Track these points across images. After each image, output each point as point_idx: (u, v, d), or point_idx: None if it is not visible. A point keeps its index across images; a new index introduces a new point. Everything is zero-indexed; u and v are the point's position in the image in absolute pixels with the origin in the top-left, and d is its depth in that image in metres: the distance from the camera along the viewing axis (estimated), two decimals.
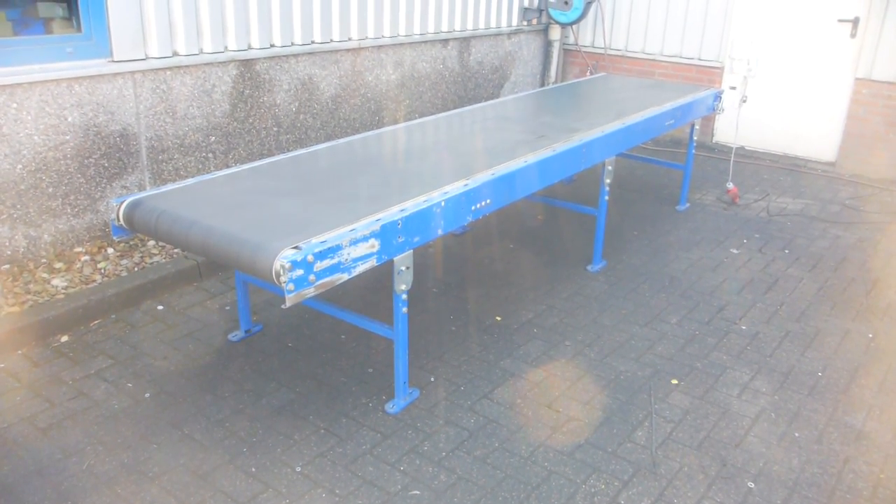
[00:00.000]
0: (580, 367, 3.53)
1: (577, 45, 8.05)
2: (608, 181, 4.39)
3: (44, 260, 4.15)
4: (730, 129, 7.37)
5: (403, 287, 2.97)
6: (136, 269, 4.16)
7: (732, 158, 6.53)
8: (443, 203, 3.05)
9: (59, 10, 4.10)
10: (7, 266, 4.02)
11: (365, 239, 2.70)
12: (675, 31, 7.40)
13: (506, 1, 7.25)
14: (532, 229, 5.26)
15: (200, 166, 4.87)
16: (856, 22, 6.44)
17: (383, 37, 5.96)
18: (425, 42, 6.40)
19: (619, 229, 5.27)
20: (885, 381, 3.49)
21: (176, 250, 4.39)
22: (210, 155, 4.91)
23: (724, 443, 3.02)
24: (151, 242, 4.47)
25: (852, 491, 2.78)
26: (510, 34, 7.45)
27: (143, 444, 2.90)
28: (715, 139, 7.52)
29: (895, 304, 4.25)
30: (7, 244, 4.02)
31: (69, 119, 4.11)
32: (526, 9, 7.52)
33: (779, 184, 6.45)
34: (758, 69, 7.04)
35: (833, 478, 2.84)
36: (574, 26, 7.89)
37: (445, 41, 6.62)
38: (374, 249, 2.76)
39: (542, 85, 8.14)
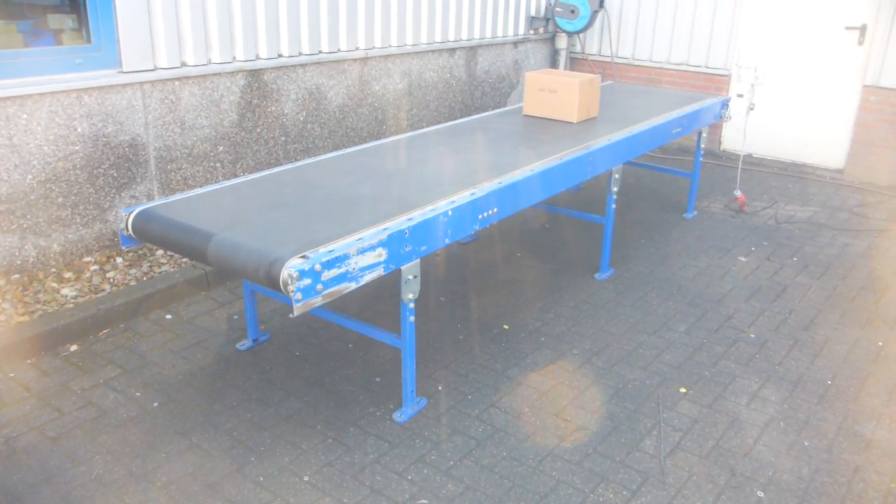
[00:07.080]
0: (588, 375, 3.52)
1: (583, 53, 8.06)
2: (615, 189, 4.39)
3: (53, 269, 4.18)
4: (737, 137, 7.36)
5: (411, 296, 2.98)
6: (144, 278, 4.17)
7: (740, 166, 6.52)
8: (449, 212, 3.05)
9: (69, 22, 4.14)
10: (17, 276, 4.05)
11: (372, 248, 2.71)
12: (682, 40, 7.40)
13: (512, 10, 7.28)
14: (539, 237, 5.26)
15: (209, 176, 4.89)
16: (863, 29, 6.43)
17: (390, 46, 5.98)
18: (432, 51, 6.42)
19: (627, 237, 5.26)
20: (895, 390, 3.46)
21: (184, 260, 4.41)
22: (218, 164, 4.93)
23: (733, 452, 3.01)
24: (160, 252, 4.49)
25: (862, 501, 2.75)
26: (517, 43, 7.47)
27: (151, 453, 2.91)
28: (722, 147, 7.51)
29: None
30: (17, 254, 4.05)
31: (78, 129, 4.14)
32: (532, 18, 7.54)
33: (787, 191, 6.43)
34: (765, 77, 7.04)
35: (843, 487, 2.82)
36: (581, 35, 7.91)
37: (452, 50, 6.65)
38: (382, 259, 2.77)
39: None
